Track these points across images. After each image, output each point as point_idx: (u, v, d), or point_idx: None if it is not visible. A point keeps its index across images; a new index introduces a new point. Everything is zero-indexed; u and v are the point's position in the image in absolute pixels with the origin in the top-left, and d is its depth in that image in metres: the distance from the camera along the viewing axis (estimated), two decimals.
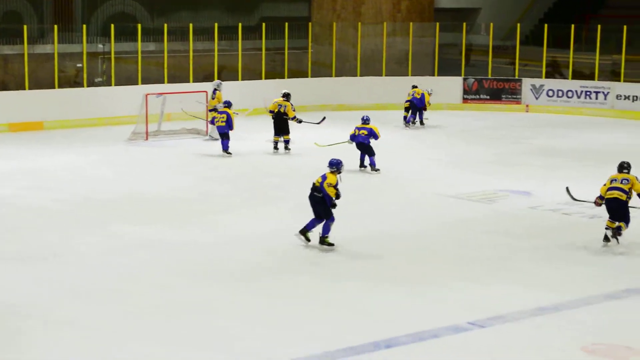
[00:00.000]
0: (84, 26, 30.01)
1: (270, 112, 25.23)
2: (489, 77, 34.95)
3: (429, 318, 12.01)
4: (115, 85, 30.27)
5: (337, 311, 12.36)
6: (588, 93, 33.63)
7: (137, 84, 30.30)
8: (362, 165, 22.35)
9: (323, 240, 15.47)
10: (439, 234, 16.52)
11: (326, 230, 15.43)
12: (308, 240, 15.52)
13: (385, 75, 34.93)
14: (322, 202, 15.50)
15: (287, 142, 24.96)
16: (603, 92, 33.34)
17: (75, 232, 16.35)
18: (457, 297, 13.03)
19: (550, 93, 34.08)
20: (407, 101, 29.89)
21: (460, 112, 33.16)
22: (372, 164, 22.14)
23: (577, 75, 34.55)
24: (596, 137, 28.37)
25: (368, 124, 22.33)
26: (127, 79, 30.79)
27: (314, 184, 15.66)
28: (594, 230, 16.88)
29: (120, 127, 27.82)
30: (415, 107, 29.88)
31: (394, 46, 36.13)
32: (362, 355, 10.78)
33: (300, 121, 25.19)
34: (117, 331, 11.51)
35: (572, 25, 34.25)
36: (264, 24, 33.24)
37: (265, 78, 33.17)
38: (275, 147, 25.04)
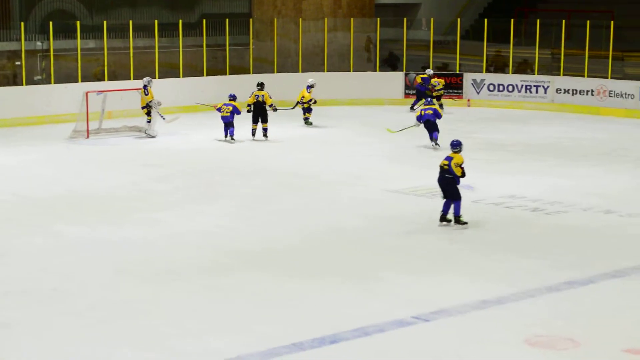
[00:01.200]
0: (22, 24, 29.68)
1: (248, 105, 26.29)
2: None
3: (374, 313, 12.01)
4: (55, 83, 29.96)
5: (281, 308, 12.32)
6: (528, 87, 33.90)
7: (77, 81, 30.03)
8: (432, 140, 24.82)
9: (458, 219, 16.52)
10: (383, 229, 16.54)
11: (458, 210, 16.50)
12: (449, 221, 16.60)
13: (327, 71, 34.95)
14: (453, 183, 16.45)
15: (265, 130, 26.10)
16: (543, 86, 33.63)
17: (17, 232, 16.15)
18: (401, 291, 13.05)
19: (491, 87, 34.31)
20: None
21: (402, 107, 33.21)
22: (435, 138, 24.61)
23: (518, 69, 34.87)
24: (537, 130, 28.59)
25: (432, 104, 25.22)
26: (66, 77, 30.49)
27: (441, 167, 16.63)
28: (535, 223, 17.03)
29: (60, 125, 27.57)
30: (420, 93, 31.46)
31: (335, 42, 36.16)
32: (308, 352, 10.76)
33: (276, 109, 26.61)
34: (56, 332, 11.37)
35: (512, 20, 34.53)
36: (204, 21, 33.11)
37: (207, 75, 33.04)
38: (253, 134, 26.10)
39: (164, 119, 26.27)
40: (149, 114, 26.37)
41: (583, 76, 33.02)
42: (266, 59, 35.04)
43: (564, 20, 33.39)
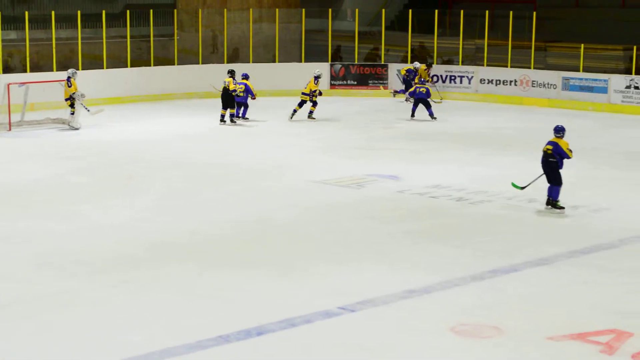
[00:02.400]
0: None
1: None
2: (356, 62, 35.19)
3: (300, 304, 11.98)
4: None
5: (205, 300, 12.22)
6: (453, 77, 34.16)
7: None
8: (412, 115, 28.59)
9: (555, 204, 16.96)
10: (308, 220, 16.52)
11: (557, 195, 16.93)
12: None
13: (253, 62, 34.84)
14: (556, 168, 16.88)
15: (232, 115, 27.22)
16: (467, 77, 33.92)
17: None
18: (327, 282, 13.04)
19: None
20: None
21: (328, 97, 33.24)
22: (431, 114, 28.30)
23: (442, 60, 35.11)
24: (462, 120, 28.81)
25: (425, 84, 29.19)
26: None
27: (545, 151, 17.10)
28: (460, 212, 17.15)
29: None
30: (406, 83, 32.55)
31: (261, 33, 36.07)
32: (233, 344, 10.69)
33: (237, 95, 27.25)
34: None
35: (436, 11, 34.73)
36: (128, 12, 32.80)
37: (131, 66, 32.74)
38: (222, 120, 27.12)
39: (88, 111, 26.01)
40: (72, 106, 26.09)
41: (506, 66, 33.38)
42: (191, 50, 34.83)
43: (487, 11, 33.68)
